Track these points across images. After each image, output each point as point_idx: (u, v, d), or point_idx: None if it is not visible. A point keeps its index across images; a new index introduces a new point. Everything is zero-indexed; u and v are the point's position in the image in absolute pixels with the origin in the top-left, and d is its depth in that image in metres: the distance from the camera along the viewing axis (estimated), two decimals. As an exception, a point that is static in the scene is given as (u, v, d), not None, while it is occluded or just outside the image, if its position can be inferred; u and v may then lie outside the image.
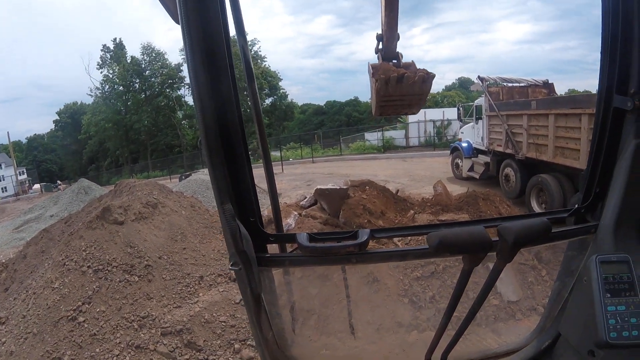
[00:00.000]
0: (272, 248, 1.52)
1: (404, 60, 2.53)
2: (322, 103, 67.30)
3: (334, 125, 56.38)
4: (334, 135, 42.70)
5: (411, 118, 33.00)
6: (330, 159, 30.71)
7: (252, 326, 1.50)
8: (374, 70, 2.43)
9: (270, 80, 49.83)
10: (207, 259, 6.11)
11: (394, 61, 2.51)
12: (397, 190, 9.69)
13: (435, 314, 4.91)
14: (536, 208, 10.49)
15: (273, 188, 1.86)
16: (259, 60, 49.15)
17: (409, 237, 5.63)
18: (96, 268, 5.26)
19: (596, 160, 1.50)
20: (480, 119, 14.22)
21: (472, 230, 1.28)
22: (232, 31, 1.35)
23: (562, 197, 9.54)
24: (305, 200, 8.69)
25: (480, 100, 14.34)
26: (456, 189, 11.15)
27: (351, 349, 2.76)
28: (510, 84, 13.97)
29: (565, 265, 1.71)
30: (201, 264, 5.97)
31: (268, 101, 51.56)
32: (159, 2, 1.22)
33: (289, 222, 7.25)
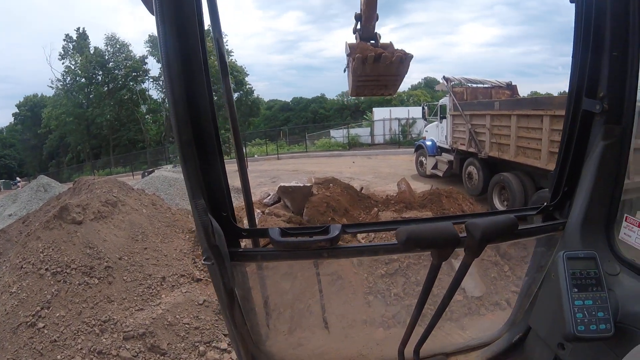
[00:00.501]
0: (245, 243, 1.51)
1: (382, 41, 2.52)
2: (288, 99, 67.42)
3: (300, 121, 56.34)
4: (300, 132, 42.67)
5: (376, 116, 33.46)
6: (296, 155, 30.69)
7: (227, 321, 1.49)
8: (352, 50, 2.40)
9: (237, 75, 48.89)
10: (169, 259, 5.95)
11: (371, 41, 2.50)
12: (362, 188, 9.71)
13: (401, 310, 4.97)
14: (498, 205, 10.80)
15: (246, 183, 1.84)
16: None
17: (373, 235, 5.68)
18: (54, 270, 5.02)
19: (565, 160, 1.54)
20: (445, 118, 14.52)
21: (440, 226, 1.30)
22: (207, 24, 1.33)
23: (523, 195, 9.86)
24: (269, 197, 8.59)
25: (445, 100, 14.61)
26: (420, 187, 11.31)
27: (325, 343, 2.76)
28: (474, 85, 14.32)
29: (534, 261, 1.75)
30: (163, 264, 5.80)
31: (234, 96, 50.65)
32: None
33: (252, 219, 7.14)
